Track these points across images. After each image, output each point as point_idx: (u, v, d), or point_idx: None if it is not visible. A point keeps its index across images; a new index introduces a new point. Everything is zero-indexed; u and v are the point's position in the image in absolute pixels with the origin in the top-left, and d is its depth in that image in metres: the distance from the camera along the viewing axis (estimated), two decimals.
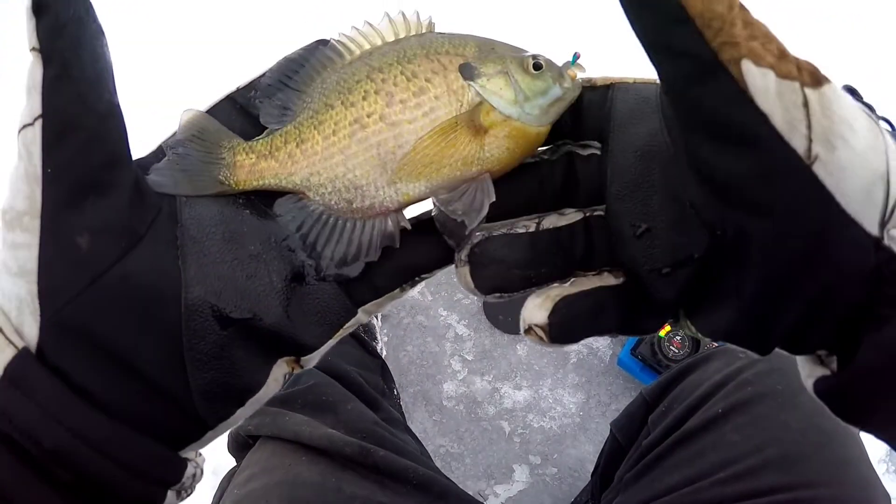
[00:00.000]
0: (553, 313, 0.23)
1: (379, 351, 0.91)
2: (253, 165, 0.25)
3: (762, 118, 0.17)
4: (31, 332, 0.21)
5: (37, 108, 0.20)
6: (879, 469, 0.88)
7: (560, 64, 0.25)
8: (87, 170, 0.21)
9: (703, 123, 0.19)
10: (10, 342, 0.21)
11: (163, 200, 0.23)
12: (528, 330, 0.23)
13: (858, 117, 0.18)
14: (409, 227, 0.25)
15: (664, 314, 0.23)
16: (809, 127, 0.17)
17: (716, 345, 0.82)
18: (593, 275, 0.24)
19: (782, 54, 0.17)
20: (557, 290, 0.23)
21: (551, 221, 0.24)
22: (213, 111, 0.25)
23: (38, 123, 0.20)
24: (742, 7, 0.17)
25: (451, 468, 0.94)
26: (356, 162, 0.25)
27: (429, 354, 1.00)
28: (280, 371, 0.24)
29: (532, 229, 0.24)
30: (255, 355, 0.23)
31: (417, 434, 0.96)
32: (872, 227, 0.18)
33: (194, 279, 0.22)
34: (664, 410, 0.51)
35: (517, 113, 0.24)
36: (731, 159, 0.18)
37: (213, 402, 0.23)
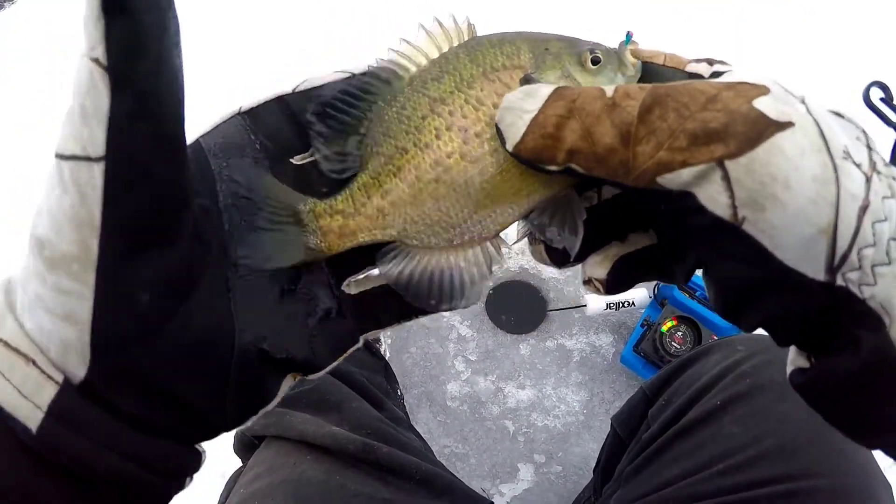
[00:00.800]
0: (611, 271, 0.25)
1: (382, 353, 0.92)
2: (342, 227, 0.24)
3: (688, 196, 0.19)
4: (77, 371, 0.20)
5: (98, 145, 0.17)
6: (886, 461, 0.88)
7: (615, 46, 0.24)
8: (153, 221, 0.19)
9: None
10: (49, 377, 0.20)
11: (213, 235, 0.23)
12: (588, 281, 0.26)
13: (803, 170, 0.18)
14: (509, 245, 0.26)
15: (690, 272, 0.26)
16: (732, 196, 0.18)
17: (716, 338, 0.83)
18: (643, 233, 0.25)
19: (694, 139, 0.19)
20: (615, 250, 0.25)
21: (609, 191, 0.25)
22: (261, 110, 0.24)
23: (100, 166, 0.17)
24: (641, 121, 0.19)
25: (456, 468, 0.95)
26: (448, 204, 0.24)
27: (432, 355, 1.00)
28: (287, 384, 0.25)
29: (595, 201, 0.25)
30: (277, 378, 0.25)
31: (422, 434, 0.96)
32: (818, 274, 0.19)
33: (245, 325, 0.23)
34: (664, 404, 0.52)
35: None
36: (676, 224, 0.22)
37: (239, 417, 0.24)
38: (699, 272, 0.24)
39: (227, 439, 0.76)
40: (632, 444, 0.55)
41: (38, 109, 2.06)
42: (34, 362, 0.20)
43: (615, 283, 0.25)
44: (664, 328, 0.87)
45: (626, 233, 0.25)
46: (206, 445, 0.25)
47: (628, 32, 0.24)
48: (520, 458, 0.94)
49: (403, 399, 0.89)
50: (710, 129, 0.18)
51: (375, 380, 0.69)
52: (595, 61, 0.24)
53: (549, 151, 0.21)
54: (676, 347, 0.87)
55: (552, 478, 0.93)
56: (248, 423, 0.25)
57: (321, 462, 0.49)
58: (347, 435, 0.50)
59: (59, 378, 0.20)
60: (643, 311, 0.96)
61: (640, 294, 0.98)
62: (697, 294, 0.92)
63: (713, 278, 0.22)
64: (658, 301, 0.95)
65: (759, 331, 0.23)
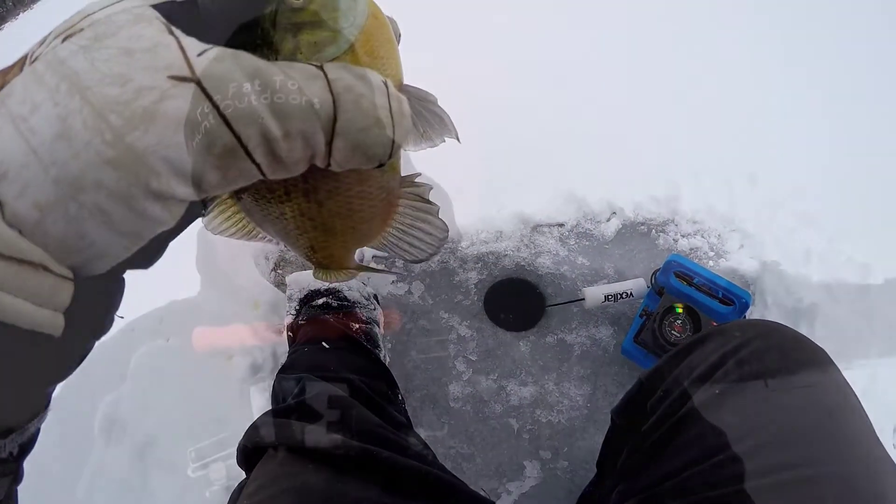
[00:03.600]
0: None
1: (382, 359, 0.91)
2: None
3: None
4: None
5: None
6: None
7: None
8: None
9: None
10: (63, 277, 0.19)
11: None
12: None
13: None
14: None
15: None
16: None
17: (715, 324, 0.83)
18: None
19: None
20: None
21: None
22: None
23: None
24: None
25: (462, 469, 0.95)
26: None
27: (433, 358, 1.00)
28: None
29: None
30: None
31: (427, 437, 0.96)
32: None
33: None
34: (662, 395, 0.52)
35: (343, 43, 0.20)
36: None
37: None
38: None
39: (230, 452, 0.76)
40: (632, 436, 0.55)
41: None
42: (45, 267, 0.17)
43: None
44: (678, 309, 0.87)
45: None
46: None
47: None
48: (525, 456, 0.94)
49: (405, 403, 0.89)
50: None
51: (376, 386, 0.69)
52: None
53: None
54: (676, 336, 0.87)
55: (559, 473, 0.93)
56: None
57: (322, 471, 0.49)
58: (347, 441, 0.50)
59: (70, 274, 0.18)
60: (641, 300, 0.96)
61: (637, 284, 0.98)
62: (695, 280, 0.92)
63: None
64: (656, 290, 0.95)
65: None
